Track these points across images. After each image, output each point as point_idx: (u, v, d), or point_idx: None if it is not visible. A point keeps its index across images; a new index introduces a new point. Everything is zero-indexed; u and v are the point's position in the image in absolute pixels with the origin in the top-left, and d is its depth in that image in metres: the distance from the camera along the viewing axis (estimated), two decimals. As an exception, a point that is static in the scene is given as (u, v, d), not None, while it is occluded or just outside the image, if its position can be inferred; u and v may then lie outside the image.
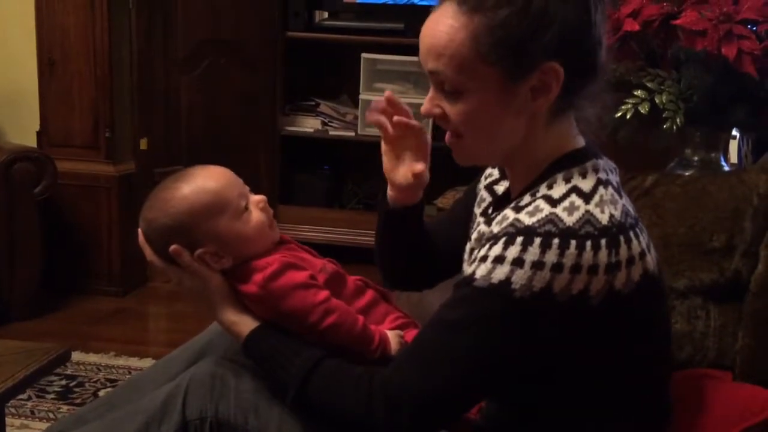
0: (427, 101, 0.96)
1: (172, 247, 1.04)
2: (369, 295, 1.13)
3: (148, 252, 1.08)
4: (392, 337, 1.07)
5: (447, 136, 0.98)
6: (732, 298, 1.22)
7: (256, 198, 1.10)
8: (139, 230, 1.09)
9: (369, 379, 0.94)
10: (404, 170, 1.10)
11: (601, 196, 0.91)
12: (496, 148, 0.97)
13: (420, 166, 1.10)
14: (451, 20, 0.90)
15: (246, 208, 1.08)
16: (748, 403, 1.04)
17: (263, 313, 1.05)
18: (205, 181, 1.07)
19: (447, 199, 3.04)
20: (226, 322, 1.06)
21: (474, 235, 1.05)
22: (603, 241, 0.87)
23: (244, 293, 1.05)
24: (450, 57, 0.90)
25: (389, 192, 1.14)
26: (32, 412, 2.03)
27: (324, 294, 1.04)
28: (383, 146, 1.12)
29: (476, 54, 0.89)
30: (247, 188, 1.10)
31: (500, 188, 1.10)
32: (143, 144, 2.96)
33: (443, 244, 1.19)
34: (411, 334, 1.07)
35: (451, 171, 1.04)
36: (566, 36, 0.89)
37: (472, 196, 1.16)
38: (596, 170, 0.94)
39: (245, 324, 1.04)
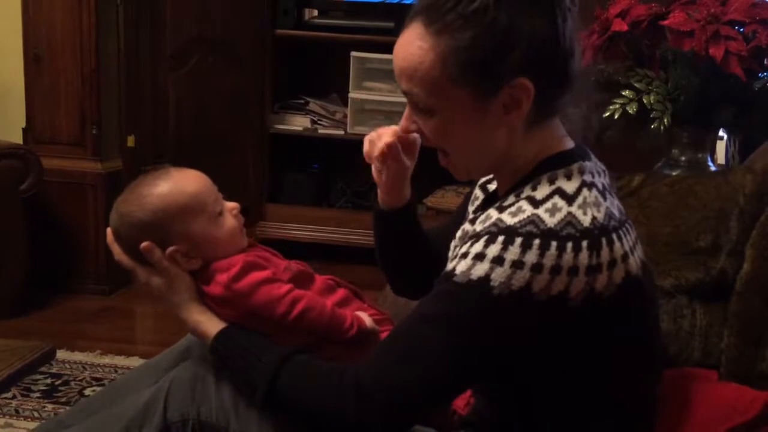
0: (404, 118, 0.98)
1: (144, 243, 1.04)
2: (340, 293, 1.13)
3: (117, 250, 1.07)
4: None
5: (439, 157, 1.00)
6: (717, 297, 1.22)
7: (230, 204, 1.12)
8: (108, 229, 1.08)
9: (340, 371, 0.94)
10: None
11: (585, 198, 0.91)
12: (481, 161, 0.98)
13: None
14: (420, 41, 0.91)
15: (220, 213, 1.09)
16: (734, 403, 1.05)
17: (230, 313, 1.04)
18: (183, 182, 1.07)
19: (436, 198, 3.04)
20: (192, 322, 1.05)
21: (458, 233, 1.05)
22: (584, 243, 0.87)
23: (210, 294, 1.05)
24: (421, 79, 0.91)
25: (379, 196, 1.15)
26: (17, 411, 2.01)
27: (288, 285, 1.05)
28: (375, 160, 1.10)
29: (445, 76, 0.90)
30: (220, 195, 1.11)
31: (492, 186, 1.10)
32: (130, 141, 2.94)
33: (446, 250, 1.19)
34: (386, 331, 1.07)
35: (439, 171, 1.04)
36: (533, 52, 0.89)
37: (469, 197, 1.16)
38: (582, 172, 0.94)
39: (212, 324, 1.04)
